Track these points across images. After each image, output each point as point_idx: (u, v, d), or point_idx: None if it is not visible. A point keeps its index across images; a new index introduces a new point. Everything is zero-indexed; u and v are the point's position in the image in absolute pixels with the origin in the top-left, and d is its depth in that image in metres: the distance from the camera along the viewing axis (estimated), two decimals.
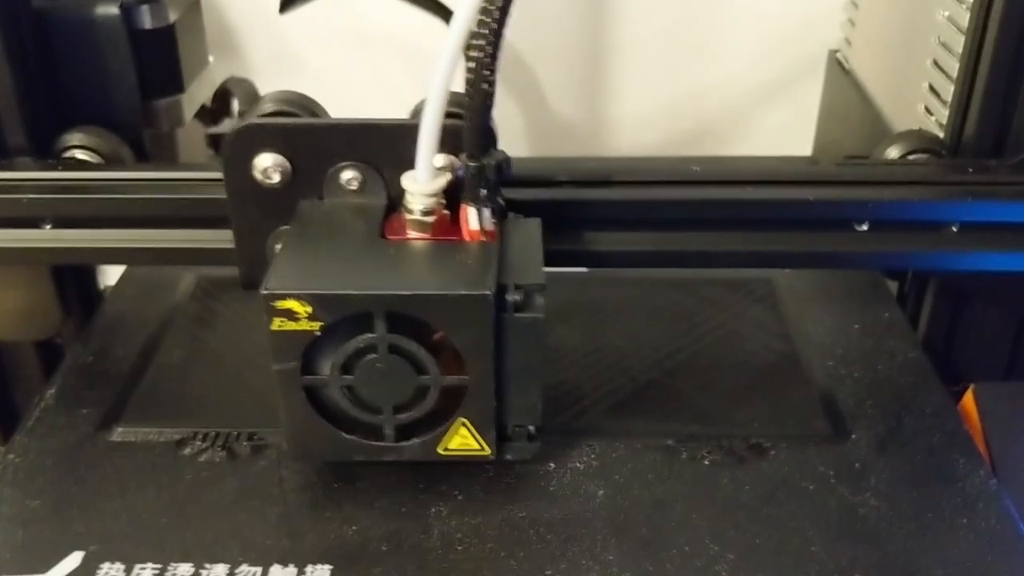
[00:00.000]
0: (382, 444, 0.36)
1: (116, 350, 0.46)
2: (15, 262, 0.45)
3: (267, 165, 0.38)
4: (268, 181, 0.38)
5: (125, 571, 0.34)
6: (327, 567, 0.34)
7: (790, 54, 0.67)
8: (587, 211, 0.42)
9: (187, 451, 0.40)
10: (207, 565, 0.34)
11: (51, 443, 0.40)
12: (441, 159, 0.36)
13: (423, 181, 0.35)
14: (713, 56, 0.67)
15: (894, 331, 0.47)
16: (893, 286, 0.51)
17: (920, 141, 0.47)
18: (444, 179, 0.36)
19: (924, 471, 0.38)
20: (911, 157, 0.46)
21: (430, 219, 0.35)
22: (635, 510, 0.37)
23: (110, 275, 0.53)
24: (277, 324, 0.33)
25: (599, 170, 0.43)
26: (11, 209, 0.42)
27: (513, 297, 0.33)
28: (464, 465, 0.38)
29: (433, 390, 0.35)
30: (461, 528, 0.36)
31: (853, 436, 0.40)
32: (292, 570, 0.34)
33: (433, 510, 0.37)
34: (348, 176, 0.38)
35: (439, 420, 0.36)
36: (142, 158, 0.49)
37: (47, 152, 0.46)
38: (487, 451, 0.36)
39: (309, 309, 0.33)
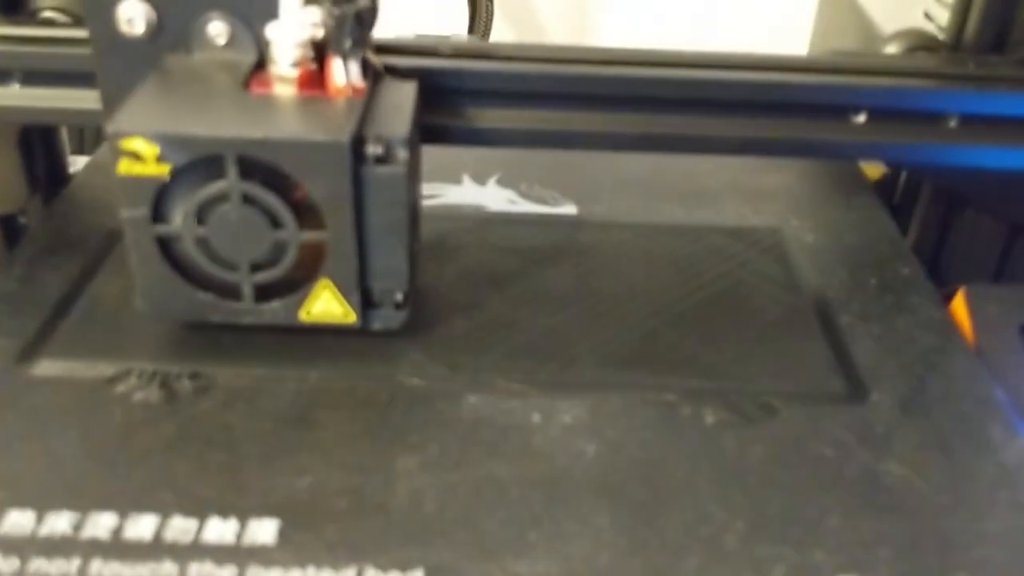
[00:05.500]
0: (240, 305, 0.35)
1: (45, 273, 0.41)
2: None
3: (131, 15, 0.36)
4: (132, 31, 0.37)
5: (36, 519, 0.29)
6: (274, 521, 0.30)
7: None
8: (467, 81, 0.40)
9: (120, 389, 0.35)
10: (133, 515, 0.29)
11: None
12: (313, 12, 0.35)
13: (287, 30, 0.35)
14: None
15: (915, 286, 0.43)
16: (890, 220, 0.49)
17: (919, 39, 0.46)
18: (310, 29, 0.35)
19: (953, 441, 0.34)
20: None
21: (294, 72, 0.35)
22: (630, 470, 0.32)
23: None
24: (125, 166, 0.32)
25: (494, 48, 0.41)
26: None
27: (373, 149, 0.33)
28: (435, 416, 0.34)
29: (292, 247, 0.34)
30: (433, 485, 0.31)
31: (872, 397, 0.36)
32: (233, 524, 0.29)
33: (400, 464, 0.32)
34: (216, 28, 0.37)
35: (303, 285, 0.35)
36: None
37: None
38: (352, 317, 0.35)
39: (156, 150, 0.32)
